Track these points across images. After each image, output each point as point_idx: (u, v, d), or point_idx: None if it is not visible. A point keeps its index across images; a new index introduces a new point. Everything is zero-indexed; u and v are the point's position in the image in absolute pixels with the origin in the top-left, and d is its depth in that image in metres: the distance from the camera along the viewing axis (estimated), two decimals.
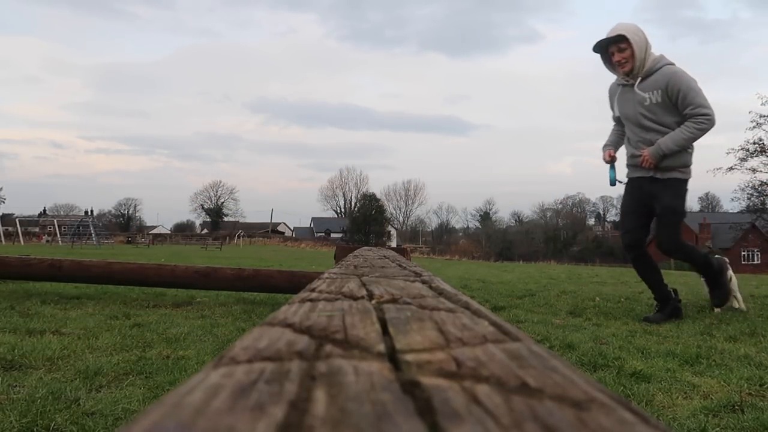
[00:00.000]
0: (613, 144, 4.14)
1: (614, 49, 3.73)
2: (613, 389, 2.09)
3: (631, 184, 3.95)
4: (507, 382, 0.27)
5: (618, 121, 4.05)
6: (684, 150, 3.65)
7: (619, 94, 3.91)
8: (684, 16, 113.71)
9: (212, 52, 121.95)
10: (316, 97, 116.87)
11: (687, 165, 3.72)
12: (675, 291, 4.00)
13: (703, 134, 3.60)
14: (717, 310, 4.09)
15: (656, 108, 3.68)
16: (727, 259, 4.35)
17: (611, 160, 4.06)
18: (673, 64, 3.73)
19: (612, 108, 4.04)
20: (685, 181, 3.75)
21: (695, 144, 3.74)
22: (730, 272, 4.18)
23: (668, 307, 3.84)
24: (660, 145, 3.63)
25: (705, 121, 3.56)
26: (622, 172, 4.02)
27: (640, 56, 3.67)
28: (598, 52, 3.85)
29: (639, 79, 3.73)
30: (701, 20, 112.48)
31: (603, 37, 3.75)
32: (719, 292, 4.14)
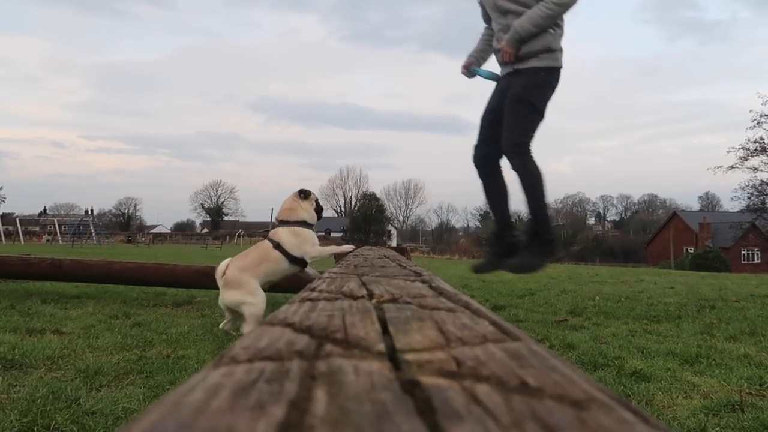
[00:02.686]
0: (477, 53, 3.47)
1: None
2: (613, 388, 2.09)
3: (498, 85, 3.30)
4: (507, 381, 0.27)
5: (487, 18, 3.43)
6: (545, 31, 3.05)
7: None
8: (683, 16, 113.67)
9: (214, 52, 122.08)
10: (317, 97, 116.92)
11: (550, 49, 3.07)
12: (513, 226, 3.32)
13: (564, 10, 3.02)
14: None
15: None
16: None
17: (467, 72, 3.40)
18: None
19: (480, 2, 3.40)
20: (546, 70, 3.08)
21: (564, 25, 3.14)
22: None
23: (501, 243, 3.20)
24: (515, 27, 3.05)
25: None
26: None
27: None
28: None
29: None
30: (700, 21, 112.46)
31: None
32: (537, 248, 3.07)
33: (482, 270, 3.27)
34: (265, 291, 2.89)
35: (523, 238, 3.15)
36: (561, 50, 3.13)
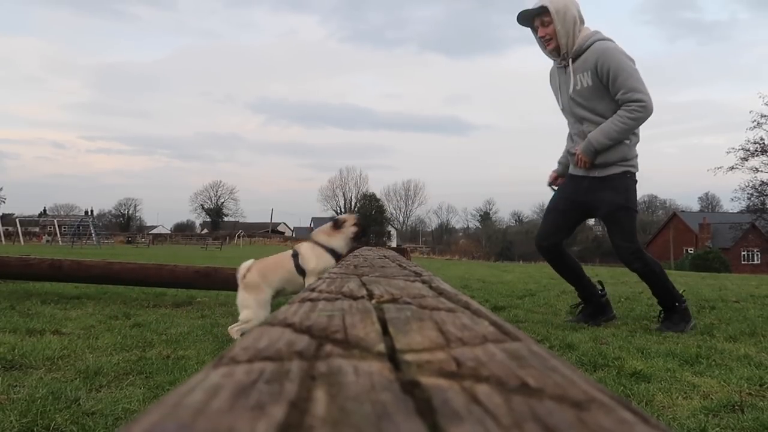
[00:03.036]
0: (564, 159, 3.55)
1: (538, 23, 3.20)
2: (613, 389, 2.09)
3: (568, 179, 3.43)
4: (507, 382, 0.27)
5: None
6: (620, 143, 3.11)
7: (558, 79, 3.35)
8: (682, 17, 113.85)
9: (214, 53, 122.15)
10: (317, 98, 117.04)
11: (627, 158, 3.16)
12: (601, 283, 3.61)
13: (638, 124, 3.06)
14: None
15: (588, 93, 3.12)
16: None
17: (553, 183, 3.58)
18: (609, 39, 3.16)
19: (556, 97, 3.44)
20: (627, 175, 3.18)
21: (640, 133, 3.21)
22: None
23: (591, 305, 3.47)
24: (590, 140, 3.10)
25: (639, 109, 2.99)
26: None
27: (566, 31, 3.13)
28: (525, 26, 3.29)
29: (570, 60, 3.19)
30: (700, 22, 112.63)
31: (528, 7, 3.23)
32: (677, 318, 3.34)
33: (575, 321, 3.47)
34: (276, 298, 2.95)
35: (662, 313, 3.39)
36: (636, 156, 3.23)
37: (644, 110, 3.00)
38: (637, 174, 3.25)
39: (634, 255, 3.21)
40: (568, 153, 3.36)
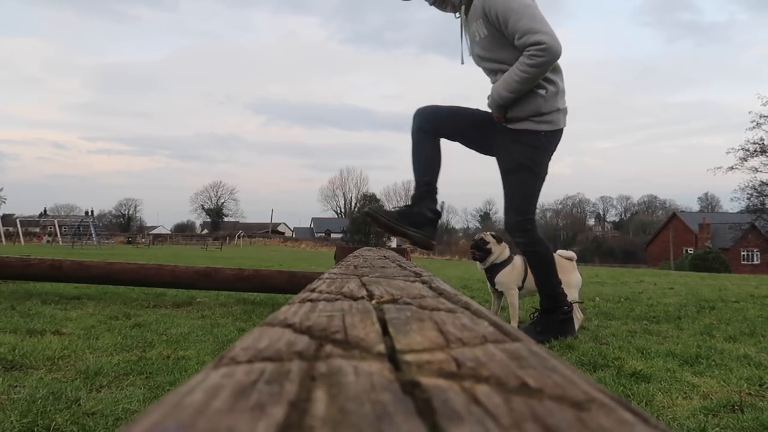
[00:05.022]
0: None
1: None
2: (613, 389, 2.09)
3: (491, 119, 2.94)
4: (507, 382, 0.27)
5: None
6: (533, 93, 2.69)
7: (461, 32, 2.99)
8: (681, 18, 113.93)
9: (214, 54, 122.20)
10: (317, 98, 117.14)
11: (542, 113, 2.72)
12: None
13: (542, 70, 2.58)
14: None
15: (488, 43, 2.74)
16: (574, 255, 3.48)
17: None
18: None
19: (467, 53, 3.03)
20: (541, 134, 2.76)
21: (563, 82, 2.78)
22: (577, 274, 3.40)
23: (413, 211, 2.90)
24: (492, 94, 2.74)
25: (538, 53, 2.52)
26: None
27: None
28: None
29: (463, 9, 2.85)
30: (699, 23, 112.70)
31: None
32: (550, 326, 2.96)
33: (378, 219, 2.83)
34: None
35: (536, 314, 3.10)
36: (559, 110, 2.78)
37: (545, 53, 2.51)
38: (560, 131, 2.82)
39: (520, 226, 2.82)
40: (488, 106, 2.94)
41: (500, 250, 3.38)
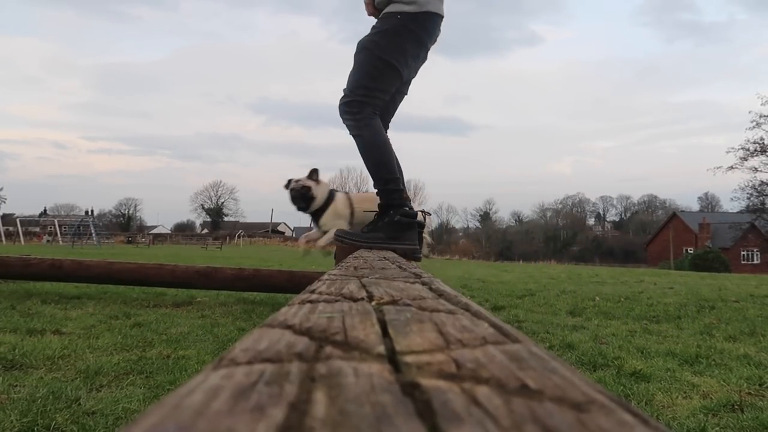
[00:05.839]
0: None
1: None
2: (613, 389, 2.09)
3: None
4: (507, 383, 0.27)
5: None
6: None
7: None
8: (681, 18, 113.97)
9: (215, 54, 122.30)
10: (318, 98, 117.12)
11: None
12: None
13: None
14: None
15: None
16: (430, 213, 3.37)
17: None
18: None
19: None
20: (398, 16, 2.54)
21: None
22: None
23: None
24: None
25: None
26: None
27: None
28: None
29: None
30: (698, 23, 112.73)
31: None
32: (384, 225, 2.56)
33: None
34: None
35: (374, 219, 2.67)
36: None
37: None
38: (430, 15, 2.58)
39: (345, 106, 2.57)
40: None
41: (321, 192, 3.15)
